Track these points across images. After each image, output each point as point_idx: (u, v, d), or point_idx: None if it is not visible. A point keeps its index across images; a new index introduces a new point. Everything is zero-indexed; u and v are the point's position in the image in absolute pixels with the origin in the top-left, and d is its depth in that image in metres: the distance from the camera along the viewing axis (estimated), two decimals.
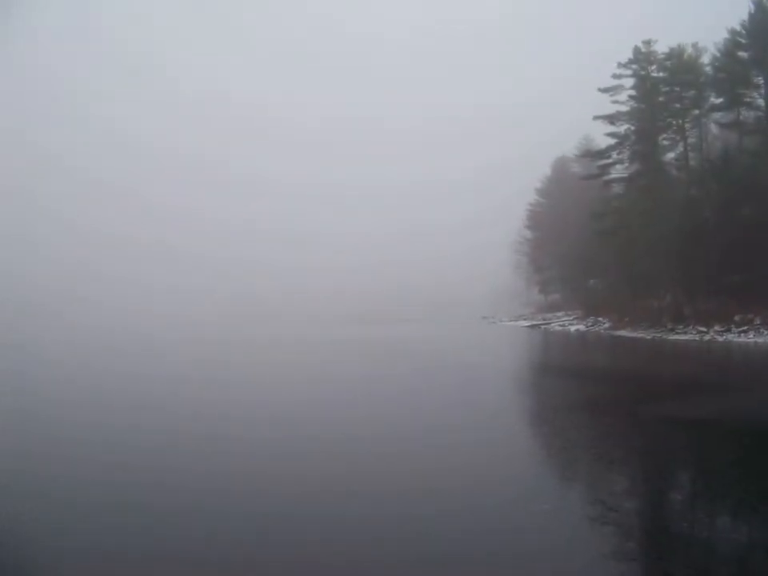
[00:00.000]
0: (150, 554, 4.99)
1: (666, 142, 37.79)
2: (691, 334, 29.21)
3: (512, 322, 52.11)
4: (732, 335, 27.10)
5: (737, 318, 28.37)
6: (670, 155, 38.16)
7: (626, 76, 37.77)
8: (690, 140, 36.89)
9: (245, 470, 7.50)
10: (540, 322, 48.06)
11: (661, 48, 37.51)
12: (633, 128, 38.04)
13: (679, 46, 37.06)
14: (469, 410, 11.44)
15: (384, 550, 5.04)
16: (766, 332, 26.17)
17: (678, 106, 36.61)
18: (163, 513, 5.97)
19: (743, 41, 32.96)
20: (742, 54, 33.27)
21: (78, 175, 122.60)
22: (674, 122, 36.90)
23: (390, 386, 14.77)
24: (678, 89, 36.49)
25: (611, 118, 38.17)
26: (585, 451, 8.25)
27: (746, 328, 27.35)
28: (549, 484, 6.88)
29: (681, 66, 36.43)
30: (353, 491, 6.53)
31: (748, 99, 33.24)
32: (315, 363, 21.99)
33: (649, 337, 30.41)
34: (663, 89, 37.03)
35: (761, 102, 32.52)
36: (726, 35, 33.73)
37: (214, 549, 5.04)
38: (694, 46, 36.75)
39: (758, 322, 27.16)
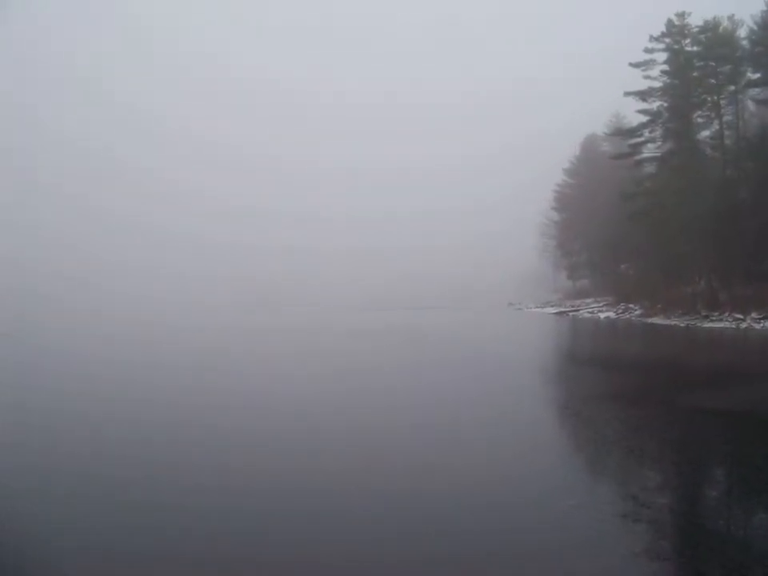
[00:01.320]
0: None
1: (700, 120, 36.31)
2: (727, 321, 28.25)
3: (539, 309, 51.33)
4: None
5: None
6: (705, 133, 36.71)
7: (659, 50, 36.34)
8: (726, 117, 35.35)
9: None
10: (568, 309, 47.20)
11: (695, 21, 36.07)
12: (666, 105, 36.68)
13: (714, 18, 35.48)
14: (498, 399, 11.31)
15: (407, 546, 4.99)
16: None
17: (713, 81, 35.09)
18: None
19: None
20: None
21: (85, 156, 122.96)
22: (709, 99, 35.39)
23: (422, 376, 14.75)
24: (713, 63, 34.95)
25: (643, 95, 36.85)
26: (615, 444, 8.03)
27: None
28: (577, 479, 6.71)
29: (716, 39, 34.84)
30: (374, 484, 6.51)
31: None
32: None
33: (682, 324, 29.54)
34: (697, 63, 35.54)
35: None
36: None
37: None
38: (730, 18, 35.12)
39: None
